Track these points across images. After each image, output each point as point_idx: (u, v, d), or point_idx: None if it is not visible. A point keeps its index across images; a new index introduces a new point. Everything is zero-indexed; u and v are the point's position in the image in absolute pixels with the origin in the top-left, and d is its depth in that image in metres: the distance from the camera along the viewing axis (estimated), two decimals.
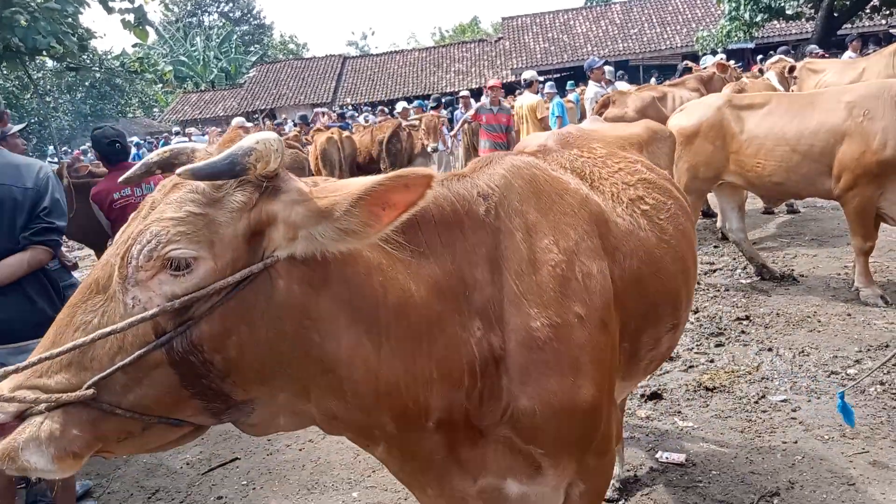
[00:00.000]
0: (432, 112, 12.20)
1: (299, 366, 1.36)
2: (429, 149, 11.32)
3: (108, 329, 1.21)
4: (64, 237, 7.12)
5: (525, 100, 10.07)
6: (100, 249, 7.45)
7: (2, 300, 2.92)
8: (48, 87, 32.58)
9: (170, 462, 4.18)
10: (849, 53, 11.42)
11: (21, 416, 1.23)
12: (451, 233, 1.55)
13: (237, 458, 4.09)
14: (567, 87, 22.30)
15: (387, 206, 1.28)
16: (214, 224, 1.26)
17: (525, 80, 10.56)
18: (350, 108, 28.25)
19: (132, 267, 1.24)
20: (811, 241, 7.28)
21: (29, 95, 29.51)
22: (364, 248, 1.38)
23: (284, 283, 1.30)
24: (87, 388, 1.22)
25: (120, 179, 1.69)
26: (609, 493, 3.18)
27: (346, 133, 11.91)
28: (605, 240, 1.77)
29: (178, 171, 1.22)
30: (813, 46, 13.99)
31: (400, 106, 15.21)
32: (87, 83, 33.37)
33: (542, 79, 11.99)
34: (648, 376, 2.41)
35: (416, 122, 11.99)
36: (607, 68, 10.79)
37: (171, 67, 39.92)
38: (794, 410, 3.84)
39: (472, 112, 10.66)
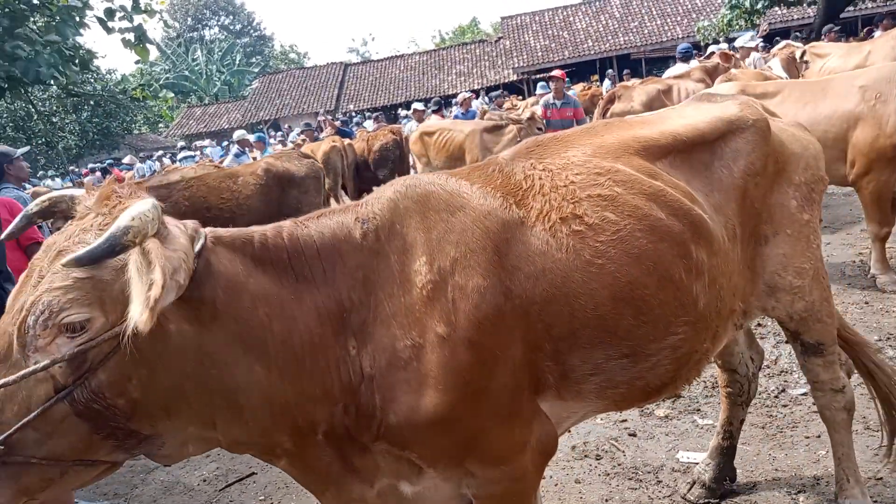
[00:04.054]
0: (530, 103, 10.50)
1: (203, 398, 1.50)
2: None
3: None
4: None
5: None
6: None
7: None
8: (54, 107, 32.80)
9: (186, 479, 4.16)
10: (878, 33, 11.45)
11: None
12: (332, 259, 1.66)
13: (254, 473, 4.06)
14: (566, 85, 22.19)
15: None
16: (101, 283, 1.37)
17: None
18: (354, 114, 28.29)
19: (30, 336, 1.34)
20: (824, 229, 7.17)
21: (34, 120, 29.76)
22: (248, 282, 1.53)
23: (175, 324, 1.43)
24: None
25: (2, 237, 1.72)
26: None
27: (347, 141, 11.90)
28: (504, 258, 1.73)
29: (62, 261, 1.32)
30: (829, 25, 14.00)
31: (413, 108, 14.91)
32: (91, 102, 33.57)
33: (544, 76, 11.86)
34: (625, 407, 2.19)
35: (510, 119, 9.77)
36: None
37: (172, 94, 39.94)
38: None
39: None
